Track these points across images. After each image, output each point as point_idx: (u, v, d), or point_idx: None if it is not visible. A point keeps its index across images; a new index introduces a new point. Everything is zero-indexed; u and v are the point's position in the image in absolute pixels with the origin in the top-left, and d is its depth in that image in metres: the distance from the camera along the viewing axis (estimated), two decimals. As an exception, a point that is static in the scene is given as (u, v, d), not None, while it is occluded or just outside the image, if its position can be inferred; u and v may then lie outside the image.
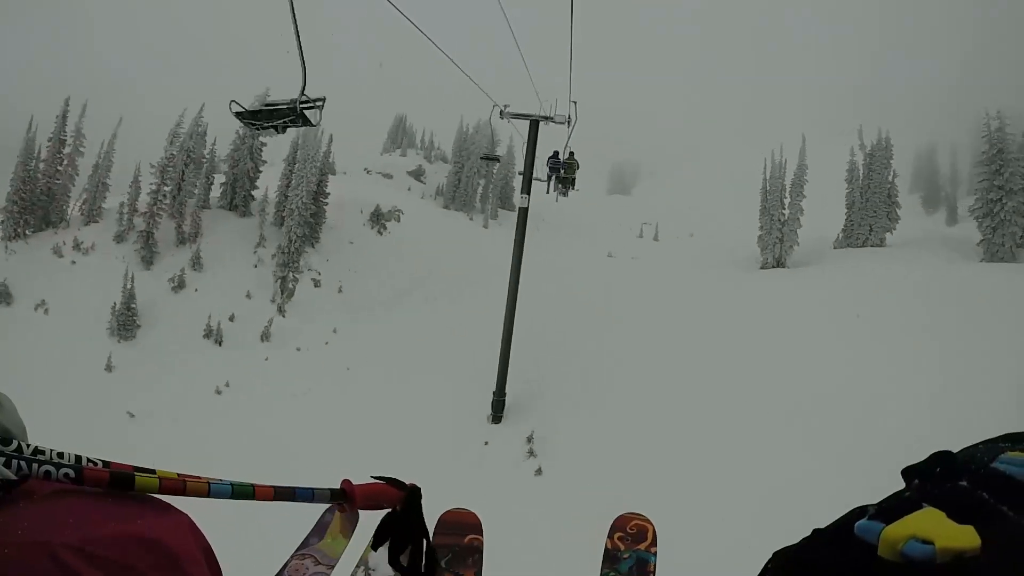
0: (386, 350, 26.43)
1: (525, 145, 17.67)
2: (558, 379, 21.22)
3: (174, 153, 34.03)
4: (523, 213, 18.25)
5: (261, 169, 36.83)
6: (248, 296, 29.91)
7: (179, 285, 30.43)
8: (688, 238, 63.19)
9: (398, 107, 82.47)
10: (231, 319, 28.41)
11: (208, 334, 27.69)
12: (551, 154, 17.75)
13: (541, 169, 18.42)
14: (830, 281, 27.45)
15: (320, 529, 1.36)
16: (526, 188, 18.05)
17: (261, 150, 36.59)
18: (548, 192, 18.92)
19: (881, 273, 27.58)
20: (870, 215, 33.05)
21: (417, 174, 64.56)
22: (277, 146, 37.24)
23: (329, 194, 35.30)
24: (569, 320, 26.34)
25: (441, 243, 40.45)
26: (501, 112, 17.02)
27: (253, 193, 36.40)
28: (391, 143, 77.33)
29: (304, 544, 1.36)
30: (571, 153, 17.69)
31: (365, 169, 61.05)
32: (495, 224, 50.67)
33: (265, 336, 27.72)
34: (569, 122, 16.72)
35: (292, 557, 1.32)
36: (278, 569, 1.30)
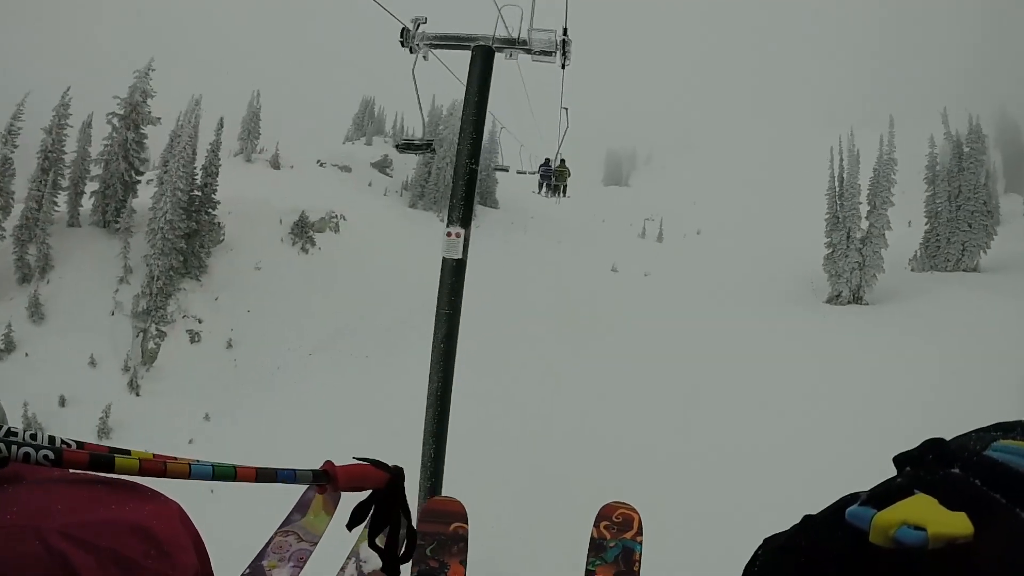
0: (278, 452, 17.66)
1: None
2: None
3: (9, 155, 24.72)
4: (450, 271, 5.60)
5: (142, 170, 27.57)
6: (92, 363, 20.91)
7: (5, 348, 21.45)
8: (695, 236, 55.81)
9: (366, 89, 72.86)
10: (61, 403, 19.48)
11: (25, 428, 18.77)
12: (542, 162, 16.36)
13: (513, 157, 15.47)
14: (934, 333, 18.77)
15: (302, 506, 1.32)
16: (458, 215, 5.69)
17: (141, 143, 27.26)
18: (538, 193, 16.95)
19: (1000, 316, 18.96)
20: (962, 229, 24.19)
21: (382, 166, 55.45)
22: (159, 138, 27.47)
23: (219, 203, 26.00)
24: (547, 429, 17.57)
25: (394, 260, 31.33)
26: (403, 32, 5.52)
27: (131, 204, 27.16)
28: (356, 130, 67.53)
29: (287, 521, 1.33)
30: (562, 160, 15.62)
31: (318, 161, 51.66)
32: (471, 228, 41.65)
33: (103, 431, 18.82)
34: (562, 77, 8.19)
35: (275, 534, 1.31)
36: (261, 546, 1.28)
